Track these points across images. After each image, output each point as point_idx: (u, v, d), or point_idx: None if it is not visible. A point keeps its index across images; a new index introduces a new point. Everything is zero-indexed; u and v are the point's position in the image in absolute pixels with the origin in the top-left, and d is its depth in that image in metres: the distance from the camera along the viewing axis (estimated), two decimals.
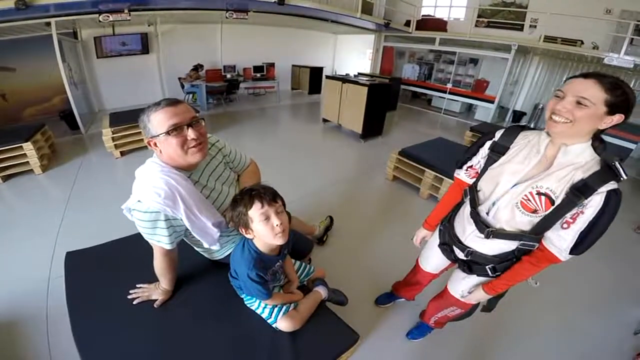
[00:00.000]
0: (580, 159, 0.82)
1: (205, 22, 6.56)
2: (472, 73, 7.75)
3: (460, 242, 1.10)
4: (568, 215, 0.82)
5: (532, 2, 7.13)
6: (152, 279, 1.21)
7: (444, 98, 7.68)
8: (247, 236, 1.06)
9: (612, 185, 0.76)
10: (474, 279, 1.14)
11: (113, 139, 3.53)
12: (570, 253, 0.86)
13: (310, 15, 6.37)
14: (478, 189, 1.02)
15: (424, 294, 1.61)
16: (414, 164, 3.09)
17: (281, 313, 1.18)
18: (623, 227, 3.43)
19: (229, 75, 6.68)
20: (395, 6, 8.28)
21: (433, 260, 1.35)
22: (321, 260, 2.02)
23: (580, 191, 0.78)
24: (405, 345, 1.63)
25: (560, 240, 0.85)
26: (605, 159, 0.80)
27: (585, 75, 0.79)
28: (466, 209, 1.07)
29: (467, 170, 1.10)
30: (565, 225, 0.83)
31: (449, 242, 1.17)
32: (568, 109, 0.78)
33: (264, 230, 1.00)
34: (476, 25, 7.70)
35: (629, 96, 0.75)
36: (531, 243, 0.92)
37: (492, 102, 7.00)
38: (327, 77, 5.12)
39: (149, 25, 5.82)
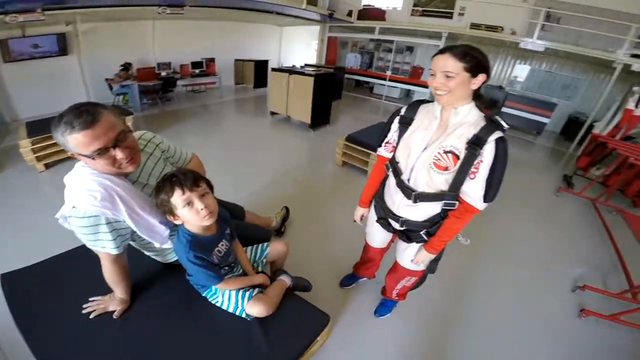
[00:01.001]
0: (469, 118, 1.02)
1: (135, 19, 6.16)
2: (409, 60, 8.41)
3: (393, 214, 1.25)
4: (472, 167, 1.01)
5: None
6: (106, 290, 1.19)
7: (384, 85, 8.25)
8: (176, 222, 1.07)
9: (498, 134, 0.97)
10: (415, 247, 1.30)
11: (34, 151, 3.22)
12: (484, 201, 1.05)
13: (254, 7, 6.34)
14: (397, 160, 1.19)
15: (383, 270, 1.74)
16: (360, 148, 3.36)
17: (246, 299, 1.22)
18: (546, 193, 4.12)
19: (163, 73, 6.38)
20: None
21: (377, 235, 1.51)
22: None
23: (475, 143, 0.98)
24: (376, 322, 1.76)
25: (472, 190, 1.04)
26: (488, 115, 1.02)
27: (441, 52, 0.99)
28: (391, 180, 1.24)
29: (385, 145, 1.28)
30: (472, 176, 1.01)
31: (384, 215, 1.32)
32: (442, 82, 0.97)
33: (189, 215, 1.02)
34: (412, 14, 8.31)
35: (478, 58, 0.96)
36: (452, 201, 1.10)
37: (427, 87, 7.66)
38: (273, 69, 5.20)
39: (67, 25, 5.32)
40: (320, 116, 4.97)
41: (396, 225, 1.28)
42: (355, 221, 1.55)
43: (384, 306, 1.80)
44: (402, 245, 1.37)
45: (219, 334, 1.20)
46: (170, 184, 1.01)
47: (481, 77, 0.98)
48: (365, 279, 1.95)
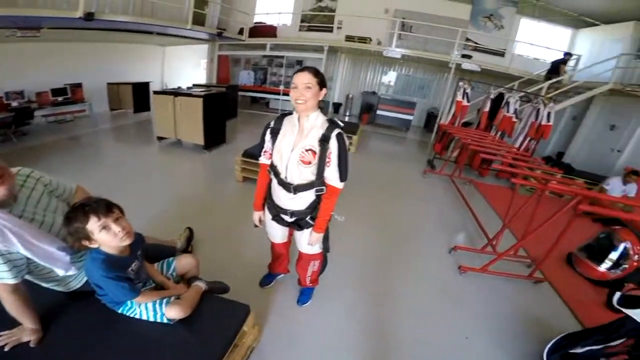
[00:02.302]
0: (317, 122, 1.45)
1: None
2: None
3: (282, 208, 1.60)
4: (326, 158, 1.44)
5: (339, 6, 9.05)
6: (8, 325, 1.21)
7: (279, 99, 8.96)
8: (92, 246, 1.18)
9: (337, 130, 1.42)
10: (307, 232, 1.66)
11: None
12: (340, 181, 1.46)
13: (130, 29, 6.10)
14: (275, 164, 1.56)
15: (294, 264, 2.03)
16: (257, 161, 3.69)
17: (164, 305, 1.36)
18: (416, 176, 5.21)
19: (15, 103, 5.60)
20: (229, 15, 8.85)
21: (276, 232, 1.86)
22: None
23: (324, 140, 1.41)
24: (302, 311, 2.05)
25: (331, 175, 1.45)
26: (329, 118, 1.46)
27: (301, 70, 1.37)
28: (274, 181, 1.60)
29: (264, 154, 1.62)
30: (328, 164, 1.43)
31: (276, 212, 1.66)
32: (302, 93, 1.34)
33: (108, 238, 1.16)
34: (300, 30, 9.25)
35: (323, 76, 1.43)
36: (321, 187, 1.51)
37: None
38: (156, 92, 5.13)
39: None
40: (215, 136, 5.15)
41: (287, 218, 1.63)
42: (256, 225, 1.82)
43: (304, 294, 2.12)
44: (297, 234, 1.75)
45: (145, 343, 1.31)
46: (84, 213, 1.11)
47: (324, 91, 1.44)
48: (281, 275, 2.27)
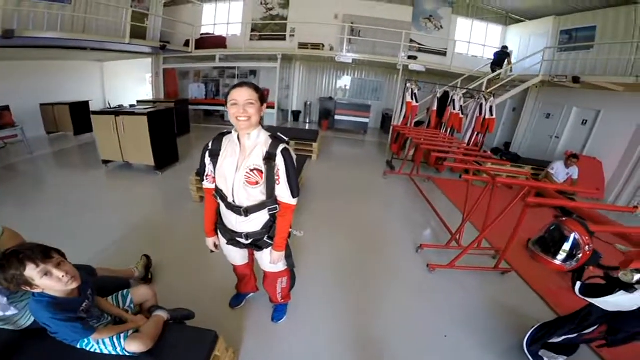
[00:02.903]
0: (260, 139, 1.38)
1: None
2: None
3: (235, 232, 1.53)
4: (275, 175, 1.37)
5: (290, 14, 9.04)
6: None
7: None
8: (35, 291, 1.11)
9: (282, 146, 1.35)
10: (267, 251, 1.58)
11: None
12: (293, 197, 1.41)
13: (58, 45, 5.61)
14: (219, 187, 1.46)
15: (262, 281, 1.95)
16: None
17: (122, 339, 1.30)
18: (377, 178, 5.30)
19: None
20: (173, 28, 8.50)
21: (235, 255, 1.76)
22: (160, 295, 2.04)
23: (269, 158, 1.34)
24: (278, 328, 2.00)
25: (282, 192, 1.41)
26: (272, 134, 1.39)
27: (239, 85, 1.28)
28: (222, 205, 1.50)
29: (207, 178, 1.52)
30: (277, 182, 1.38)
31: (231, 237, 1.56)
32: (245, 110, 1.26)
33: (52, 283, 1.10)
34: (251, 39, 9.11)
35: (263, 92, 1.37)
36: (274, 206, 1.44)
37: (273, 107, 8.53)
38: (94, 112, 4.74)
39: None
40: (166, 155, 4.85)
41: (243, 241, 1.56)
42: (212, 251, 1.74)
43: (278, 311, 2.06)
44: (258, 255, 1.67)
45: None
46: (19, 260, 1.03)
47: (264, 106, 1.37)
48: (251, 293, 2.17)
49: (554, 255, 1.55)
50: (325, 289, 2.42)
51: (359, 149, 7.76)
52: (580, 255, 1.50)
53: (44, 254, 1.10)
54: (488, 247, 3.20)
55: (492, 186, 2.77)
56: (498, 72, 7.37)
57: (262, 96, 1.36)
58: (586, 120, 6.49)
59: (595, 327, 1.65)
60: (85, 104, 7.08)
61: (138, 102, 6.88)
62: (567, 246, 1.51)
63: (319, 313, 2.16)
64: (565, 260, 1.52)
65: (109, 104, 8.53)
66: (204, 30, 9.31)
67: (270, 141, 1.37)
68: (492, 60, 7.78)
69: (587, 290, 1.54)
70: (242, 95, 1.27)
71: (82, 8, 5.85)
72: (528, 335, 1.88)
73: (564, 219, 1.62)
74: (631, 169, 5.43)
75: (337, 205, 4.01)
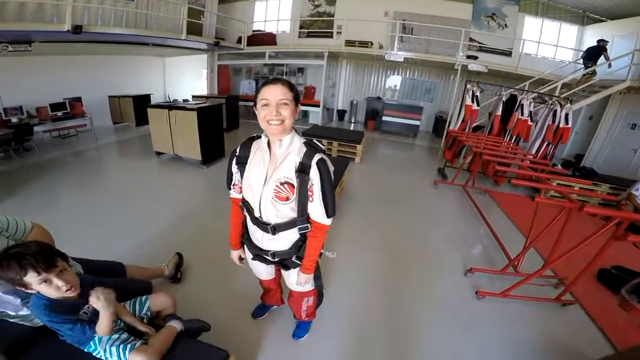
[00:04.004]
0: (293, 147, 1.16)
1: None
2: (302, 81, 9.04)
3: (261, 249, 1.35)
4: (308, 191, 1.16)
5: (337, 11, 8.79)
6: None
7: None
8: (30, 292, 1.08)
9: (318, 156, 1.13)
10: (295, 271, 1.40)
11: None
12: (327, 217, 1.20)
13: (122, 40, 5.99)
14: (246, 199, 1.28)
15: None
16: None
17: (127, 351, 1.25)
18: (426, 187, 4.85)
19: (14, 119, 5.46)
20: (226, 24, 8.70)
21: (261, 269, 1.59)
22: (185, 297, 2.06)
23: (302, 171, 1.12)
24: (299, 345, 1.84)
25: (315, 211, 1.20)
26: (307, 141, 1.17)
27: (272, 82, 1.07)
28: (248, 218, 1.32)
29: (233, 187, 1.35)
30: (311, 199, 1.17)
31: (256, 252, 1.39)
32: (278, 112, 1.05)
33: (49, 290, 1.06)
34: (299, 36, 9.01)
35: (297, 91, 1.15)
36: (305, 225, 1.23)
37: (318, 105, 8.32)
38: (150, 106, 4.92)
39: None
40: (213, 150, 4.89)
41: (269, 258, 1.37)
42: (236, 263, 1.58)
43: (300, 328, 1.89)
44: (284, 273, 1.48)
45: None
46: (20, 266, 1.00)
47: (299, 107, 1.14)
48: (275, 306, 2.02)
49: None
50: (352, 309, 2.17)
51: (408, 153, 7.26)
52: None
53: (48, 262, 1.05)
54: (551, 275, 2.70)
55: (569, 211, 2.27)
56: (592, 67, 6.33)
57: (297, 96, 1.13)
58: None
59: None
60: (147, 97, 7.50)
61: (193, 97, 7.11)
62: None
63: (342, 336, 1.95)
64: None
65: (169, 97, 9.03)
66: (255, 27, 9.38)
67: (304, 149, 1.14)
68: (583, 55, 6.69)
69: None
70: (275, 94, 1.06)
71: (144, 5, 6.14)
72: None
73: None
74: None
75: (379, 215, 3.67)
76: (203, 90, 9.40)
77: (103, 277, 1.65)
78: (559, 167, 5.41)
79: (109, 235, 2.81)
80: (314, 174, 1.13)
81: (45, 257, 1.05)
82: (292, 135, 1.17)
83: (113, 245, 2.56)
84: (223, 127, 5.10)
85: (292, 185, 1.14)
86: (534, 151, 5.00)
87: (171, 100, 5.53)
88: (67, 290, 1.09)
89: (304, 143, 1.17)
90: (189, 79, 10.51)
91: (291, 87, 1.11)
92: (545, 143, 4.97)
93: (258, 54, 8.69)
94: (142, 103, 7.32)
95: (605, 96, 6.22)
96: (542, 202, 2.29)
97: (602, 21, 7.80)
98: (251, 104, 9.28)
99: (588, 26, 8.19)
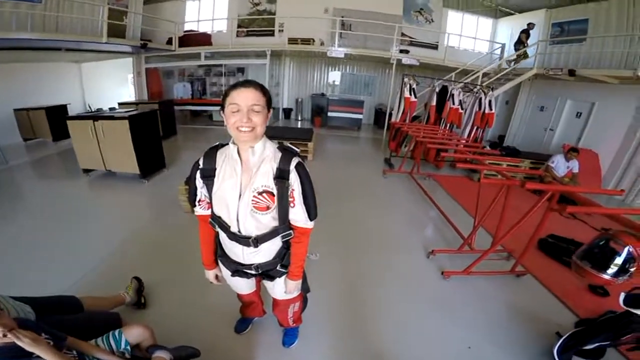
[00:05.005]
0: (267, 152, 1.08)
1: None
2: None
3: (243, 264, 1.24)
4: (289, 197, 1.09)
5: (278, 9, 8.66)
6: None
7: None
8: None
9: (295, 160, 1.07)
10: (281, 280, 1.35)
11: None
12: (310, 220, 1.16)
13: (27, 46, 5.15)
14: (218, 215, 1.15)
15: (270, 304, 1.73)
16: None
17: None
18: (376, 177, 5.03)
19: None
20: (154, 25, 8.03)
21: (241, 285, 1.48)
22: (157, 323, 1.81)
23: (280, 177, 1.06)
24: (290, 353, 1.79)
25: (297, 216, 1.14)
26: (280, 145, 1.11)
27: (244, 85, 0.99)
28: (223, 235, 1.20)
29: (199, 204, 1.21)
30: (292, 205, 1.11)
31: (236, 268, 1.29)
32: (249, 118, 0.97)
33: None
34: (237, 36, 8.67)
35: (270, 94, 1.07)
36: (287, 232, 1.17)
37: None
38: (69, 118, 4.30)
39: None
40: (152, 161, 4.47)
41: (252, 272, 1.28)
42: (212, 282, 1.45)
43: (289, 335, 1.84)
44: (269, 284, 1.41)
45: None
46: None
47: (270, 113, 1.06)
48: (257, 318, 1.93)
49: (604, 269, 1.49)
50: (333, 306, 2.19)
51: (355, 146, 7.49)
52: (633, 269, 1.45)
53: None
54: (501, 249, 2.99)
55: (508, 188, 2.55)
56: (523, 49, 7.08)
57: (270, 100, 1.07)
58: (581, 113, 6.39)
59: (632, 334, 1.59)
60: (63, 107, 6.58)
61: (119, 104, 6.41)
62: (619, 260, 1.46)
63: (330, 333, 1.96)
64: (616, 275, 1.48)
65: (90, 106, 8.01)
66: (187, 27, 8.85)
67: (279, 154, 1.09)
68: (515, 41, 7.51)
69: (632, 301, 1.53)
70: (246, 99, 0.98)
71: (54, 7, 5.37)
72: (559, 344, 1.80)
73: (615, 231, 1.56)
74: (628, 159, 5.35)
75: (337, 208, 3.73)
76: (130, 97, 8.59)
77: (57, 314, 1.44)
78: (488, 148, 6.03)
79: (50, 267, 2.43)
80: (294, 178, 1.09)
81: None
82: (264, 141, 1.09)
83: (58, 278, 2.24)
84: (160, 134, 4.69)
85: (272, 194, 1.08)
86: (465, 136, 5.50)
87: (92, 109, 4.87)
88: (4, 336, 0.97)
89: (278, 147, 1.12)
90: (112, 85, 9.50)
91: (264, 91, 1.03)
92: (475, 128, 5.51)
93: (192, 55, 8.21)
94: (57, 114, 6.40)
95: (517, 83, 7.07)
96: (487, 183, 2.53)
97: (512, 14, 8.76)
98: (188, 108, 8.79)
99: (501, 19, 9.17)
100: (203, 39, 8.47)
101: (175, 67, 9.00)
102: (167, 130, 6.73)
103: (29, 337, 0.99)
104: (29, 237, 2.93)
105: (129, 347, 1.34)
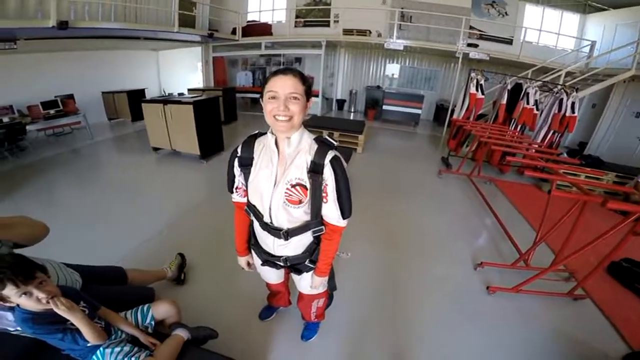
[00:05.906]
0: (303, 145, 1.04)
1: None
2: None
3: (272, 255, 1.24)
4: (322, 192, 1.04)
5: (334, 0, 8.56)
6: None
7: None
8: (8, 305, 1.03)
9: (331, 154, 1.01)
10: (308, 275, 1.32)
11: None
12: (343, 218, 1.09)
13: (112, 35, 5.77)
14: (253, 203, 1.14)
15: (296, 295, 1.71)
16: None
17: None
18: (431, 177, 4.71)
19: (6, 119, 5.27)
20: (220, 16, 8.47)
21: (270, 274, 1.48)
22: (189, 299, 1.98)
23: (314, 171, 1.01)
24: (307, 346, 1.78)
25: (330, 213, 1.08)
26: (317, 137, 1.05)
27: (283, 72, 0.95)
28: (256, 224, 1.20)
29: (236, 191, 1.21)
30: (325, 200, 1.06)
31: (266, 258, 1.28)
32: (286, 106, 0.94)
33: (29, 303, 1.01)
34: (295, 26, 8.77)
35: (310, 83, 1.02)
36: (319, 227, 1.13)
37: (317, 95, 8.10)
38: (144, 101, 4.75)
39: None
40: (212, 144, 4.74)
41: (281, 264, 1.27)
42: (244, 269, 1.48)
43: (309, 330, 1.82)
44: (296, 277, 1.39)
45: None
46: None
47: (311, 102, 1.01)
48: (282, 307, 1.95)
49: None
50: (360, 306, 2.09)
51: (409, 141, 7.10)
52: None
53: (26, 274, 1.00)
54: (562, 269, 2.59)
55: (584, 204, 2.14)
56: None
57: (310, 89, 1.00)
58: None
59: None
60: (142, 91, 7.28)
61: (188, 90, 6.90)
62: None
63: (352, 334, 1.87)
64: None
65: (164, 91, 8.79)
66: (249, 17, 9.14)
67: (315, 147, 1.03)
68: None
69: None
70: (284, 87, 0.93)
71: None
72: None
73: None
74: None
75: (383, 207, 3.55)
76: (199, 83, 9.16)
77: (104, 284, 1.57)
78: (565, 155, 5.28)
79: (108, 236, 2.69)
80: (328, 173, 1.02)
81: (22, 269, 0.99)
82: (302, 132, 1.04)
83: (113, 247, 2.46)
84: (221, 120, 4.92)
85: (305, 187, 1.03)
86: (539, 140, 4.86)
87: (166, 94, 5.33)
88: (48, 302, 1.03)
89: (315, 140, 1.05)
90: (183, 71, 10.24)
91: (303, 79, 0.97)
92: (551, 132, 4.84)
93: (254, 45, 8.46)
94: (137, 98, 7.10)
95: (609, 85, 6.07)
96: (559, 195, 2.17)
97: (604, 9, 7.60)
98: (249, 95, 9.12)
99: (590, 15, 8.02)
100: (264, 29, 8.65)
101: (239, 57, 9.39)
102: (228, 116, 7.10)
103: (66, 305, 1.06)
104: (99, 204, 3.31)
105: (153, 322, 1.42)
